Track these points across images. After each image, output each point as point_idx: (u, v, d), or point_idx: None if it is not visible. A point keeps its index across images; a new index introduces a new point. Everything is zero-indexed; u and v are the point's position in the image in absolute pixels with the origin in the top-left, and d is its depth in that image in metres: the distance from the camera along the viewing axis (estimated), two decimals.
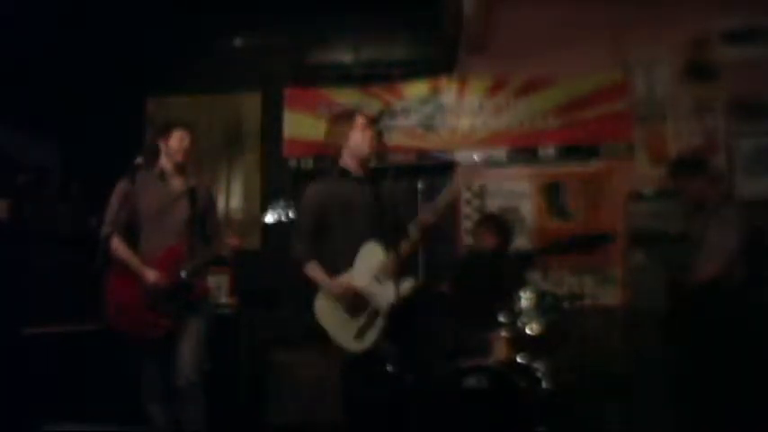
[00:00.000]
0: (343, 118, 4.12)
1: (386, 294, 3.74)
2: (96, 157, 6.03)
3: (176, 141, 4.28)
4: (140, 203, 4.23)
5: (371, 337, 3.75)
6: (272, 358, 5.52)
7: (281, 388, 5.39)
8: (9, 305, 4.72)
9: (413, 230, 3.76)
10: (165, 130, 4.33)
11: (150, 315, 4.06)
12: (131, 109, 6.50)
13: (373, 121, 4.04)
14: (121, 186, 4.18)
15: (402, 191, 4.24)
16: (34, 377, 4.67)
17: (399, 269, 3.76)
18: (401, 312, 3.74)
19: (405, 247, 3.77)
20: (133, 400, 4.29)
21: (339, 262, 3.86)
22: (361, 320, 3.77)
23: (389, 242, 3.80)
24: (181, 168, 4.32)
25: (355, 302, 3.78)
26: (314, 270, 3.89)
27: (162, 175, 4.31)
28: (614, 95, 6.05)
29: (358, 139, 3.98)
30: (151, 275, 4.08)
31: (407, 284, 3.78)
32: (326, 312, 3.88)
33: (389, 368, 3.84)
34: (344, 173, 4.02)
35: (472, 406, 4.14)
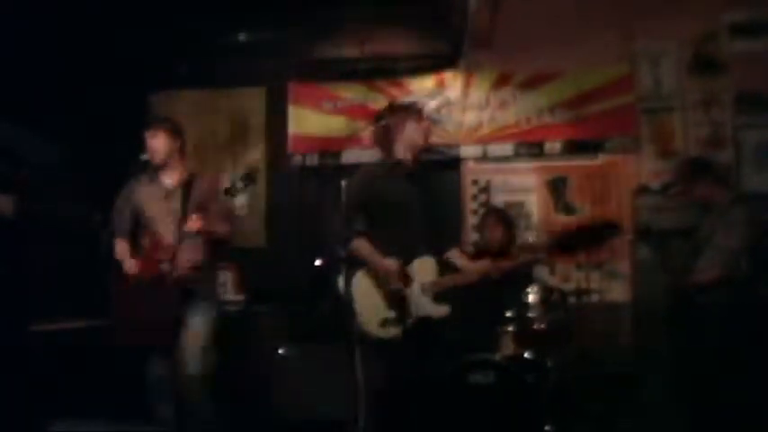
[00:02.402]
0: (401, 109, 4.16)
1: (423, 306, 3.85)
2: (100, 154, 6.03)
3: (152, 141, 4.29)
4: (140, 203, 4.28)
5: (394, 331, 3.80)
6: (280, 354, 5.51)
7: (289, 384, 5.38)
8: (12, 302, 4.71)
9: (475, 268, 3.98)
10: (146, 130, 4.33)
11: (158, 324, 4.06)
12: (135, 105, 6.49)
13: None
14: (126, 188, 4.25)
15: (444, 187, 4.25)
16: (37, 375, 4.67)
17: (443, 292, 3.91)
18: (427, 327, 3.86)
19: (461, 278, 3.97)
20: (138, 397, 4.29)
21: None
22: (392, 313, 3.82)
23: (437, 249, 3.95)
24: (164, 165, 4.31)
25: (395, 294, 3.83)
26: (363, 246, 3.87)
27: (153, 173, 4.32)
28: (621, 89, 6.02)
29: (414, 131, 4.02)
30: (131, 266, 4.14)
31: (443, 309, 3.90)
32: (363, 289, 3.88)
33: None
34: (397, 166, 4.04)
35: (478, 401, 4.13)
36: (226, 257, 4.46)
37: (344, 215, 3.92)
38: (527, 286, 4.62)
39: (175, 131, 4.38)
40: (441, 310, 3.89)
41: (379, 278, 3.85)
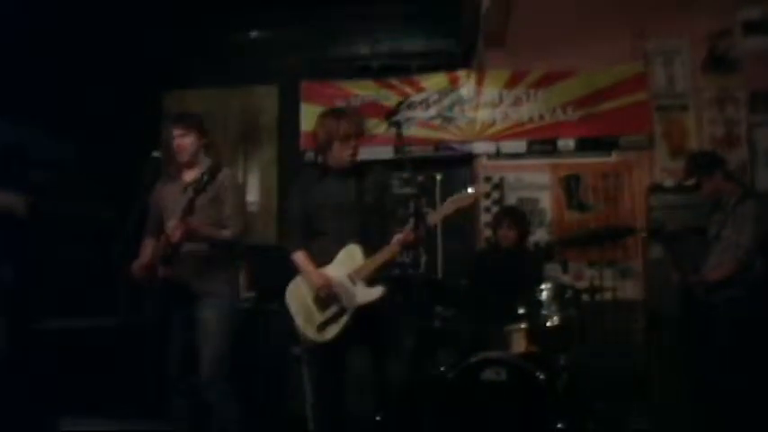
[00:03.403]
0: (332, 118, 4.06)
1: (355, 295, 3.79)
2: (114, 152, 6.05)
3: (181, 140, 4.24)
4: (161, 201, 4.26)
5: (333, 331, 3.79)
6: (291, 351, 5.51)
7: (301, 380, 5.38)
8: (26, 301, 4.74)
9: (395, 241, 3.79)
10: (174, 128, 4.29)
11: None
12: (149, 104, 6.51)
13: (358, 133, 4.01)
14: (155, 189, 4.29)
15: (386, 183, 4.19)
16: (45, 373, 4.69)
17: (374, 274, 3.82)
18: (367, 314, 3.79)
19: (383, 255, 3.82)
20: (152, 395, 4.29)
21: (322, 258, 3.91)
22: (327, 314, 3.82)
23: (373, 242, 3.85)
24: (189, 163, 4.30)
25: (326, 296, 3.83)
26: (300, 258, 3.94)
27: (175, 171, 4.32)
28: (634, 87, 6.00)
29: (339, 149, 3.96)
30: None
31: (377, 291, 3.80)
32: (296, 298, 3.93)
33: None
34: (327, 170, 4.04)
35: (490, 399, 4.12)
36: (239, 256, 4.40)
37: (286, 230, 4.07)
38: (539, 284, 4.63)
39: (203, 129, 4.34)
40: (375, 293, 3.80)
41: (311, 288, 3.88)
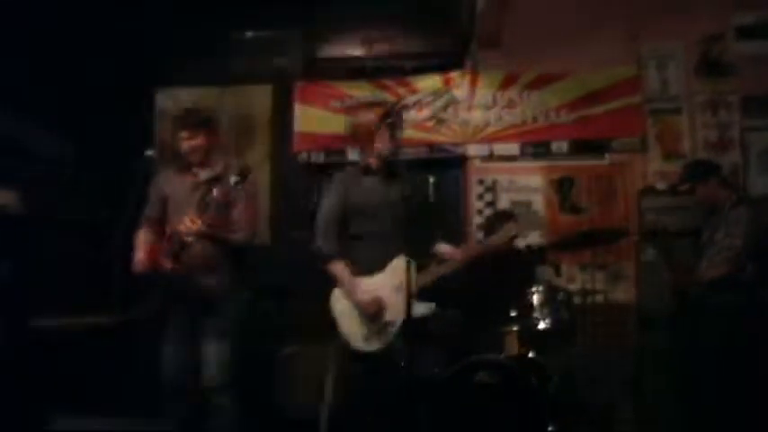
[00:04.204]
0: (365, 110, 4.05)
1: (402, 311, 3.68)
2: (108, 149, 6.04)
3: (191, 142, 4.19)
4: (167, 195, 4.24)
5: (380, 343, 3.79)
6: (285, 351, 5.51)
7: (294, 381, 5.38)
8: (19, 297, 4.71)
9: (450, 262, 3.82)
10: (183, 129, 4.23)
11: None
12: (143, 101, 6.49)
13: (388, 117, 3.89)
14: (157, 176, 4.29)
15: (424, 186, 4.04)
16: (40, 372, 4.66)
17: (422, 291, 3.79)
18: (414, 327, 3.68)
19: (433, 273, 3.82)
20: (146, 394, 4.27)
21: (361, 263, 3.86)
22: (375, 326, 3.80)
23: (414, 250, 3.72)
24: (201, 163, 4.25)
25: (374, 315, 3.79)
26: (340, 270, 3.86)
27: (184, 168, 4.28)
28: (628, 90, 6.01)
29: (380, 139, 3.88)
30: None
31: (424, 308, 3.82)
32: (343, 309, 3.88)
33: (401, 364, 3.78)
34: (367, 169, 3.97)
35: (483, 401, 4.12)
36: (245, 259, 4.34)
37: (318, 235, 3.93)
38: (531, 286, 4.63)
39: (214, 129, 4.32)
40: (424, 309, 3.83)
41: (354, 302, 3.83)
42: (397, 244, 3.78)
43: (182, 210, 4.03)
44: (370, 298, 3.79)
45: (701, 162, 5.21)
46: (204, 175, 4.18)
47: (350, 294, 3.85)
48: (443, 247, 3.95)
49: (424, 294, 3.82)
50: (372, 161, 3.94)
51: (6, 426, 4.43)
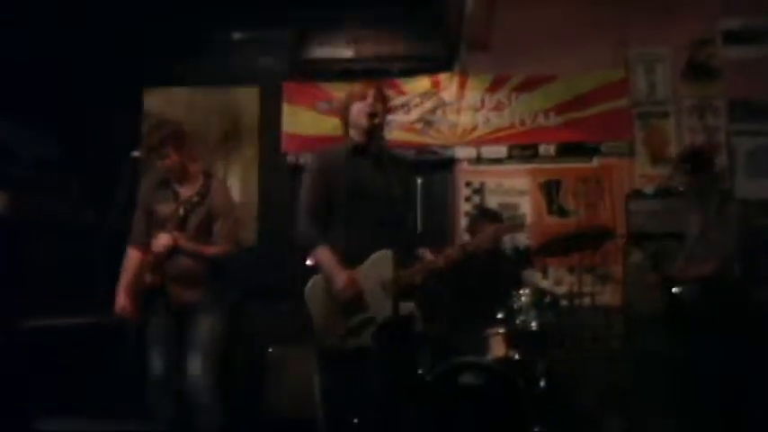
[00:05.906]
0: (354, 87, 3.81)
1: (385, 307, 3.43)
2: (95, 149, 6.02)
3: (164, 162, 4.14)
4: (153, 206, 4.22)
5: (358, 341, 3.52)
6: (269, 353, 5.50)
7: (279, 383, 5.36)
8: (7, 298, 4.68)
9: (438, 259, 3.62)
10: (153, 152, 4.15)
11: None
12: (130, 102, 6.46)
13: (379, 94, 3.68)
14: (141, 188, 4.28)
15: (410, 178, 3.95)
16: (30, 371, 4.64)
17: (406, 290, 3.51)
18: (394, 326, 3.46)
19: (418, 270, 3.59)
20: (133, 394, 4.25)
21: (341, 252, 3.57)
22: (353, 322, 3.54)
23: (401, 247, 3.48)
24: (179, 179, 4.22)
25: (355, 303, 3.53)
26: (325, 256, 3.56)
27: (164, 182, 4.26)
28: (615, 93, 6.05)
29: (357, 111, 3.68)
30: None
31: (408, 307, 3.54)
32: (319, 300, 3.60)
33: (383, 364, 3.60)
34: (356, 149, 3.72)
35: (468, 403, 4.12)
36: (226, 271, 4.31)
37: (300, 220, 3.69)
38: (518, 288, 4.62)
39: (181, 142, 4.19)
40: (406, 308, 3.49)
41: (332, 289, 3.55)
42: (382, 235, 3.53)
43: (163, 225, 4.06)
44: (345, 278, 3.51)
45: (696, 153, 5.17)
46: (184, 192, 4.18)
47: (332, 279, 3.54)
48: (425, 252, 3.72)
49: (407, 293, 3.53)
50: (361, 140, 3.70)
51: None
